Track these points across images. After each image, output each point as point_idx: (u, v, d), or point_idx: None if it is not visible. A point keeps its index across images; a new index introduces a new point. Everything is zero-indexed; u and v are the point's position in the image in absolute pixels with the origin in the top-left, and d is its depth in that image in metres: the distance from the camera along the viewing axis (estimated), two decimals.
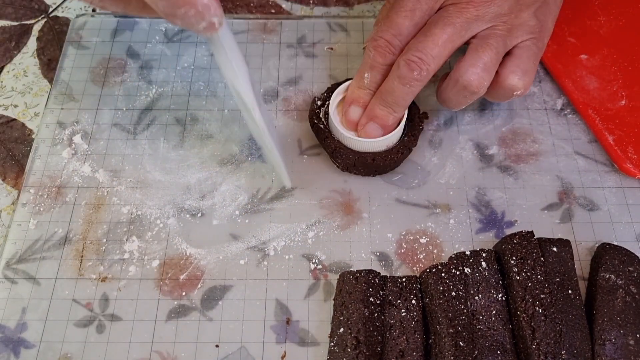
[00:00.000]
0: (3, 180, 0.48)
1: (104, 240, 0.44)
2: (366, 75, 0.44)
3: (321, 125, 0.46)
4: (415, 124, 0.46)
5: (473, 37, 0.43)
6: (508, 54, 0.44)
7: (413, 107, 0.47)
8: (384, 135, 0.44)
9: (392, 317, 0.39)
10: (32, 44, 0.56)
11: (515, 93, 0.44)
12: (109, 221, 0.45)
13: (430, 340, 0.39)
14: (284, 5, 0.58)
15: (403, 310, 0.39)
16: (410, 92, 0.42)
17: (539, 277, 0.39)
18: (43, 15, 0.57)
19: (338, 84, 0.47)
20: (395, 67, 0.42)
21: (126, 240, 0.44)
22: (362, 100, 0.44)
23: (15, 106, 0.52)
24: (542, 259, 0.40)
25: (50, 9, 0.58)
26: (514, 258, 0.40)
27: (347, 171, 0.47)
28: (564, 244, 0.41)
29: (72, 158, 0.48)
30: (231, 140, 0.49)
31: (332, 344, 0.39)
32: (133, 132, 0.49)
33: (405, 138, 0.46)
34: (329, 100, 0.46)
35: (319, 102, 0.47)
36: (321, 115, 0.47)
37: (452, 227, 0.45)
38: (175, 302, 0.42)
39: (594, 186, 0.46)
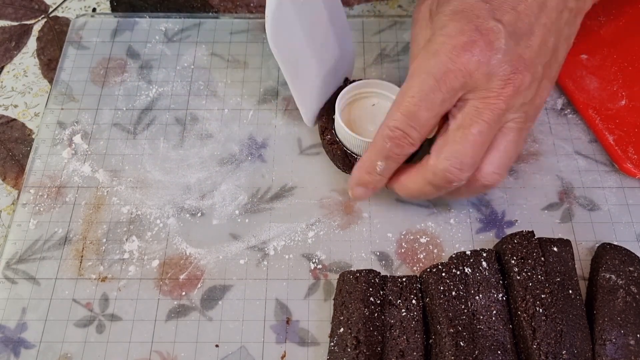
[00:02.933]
0: (3, 180, 0.48)
1: (104, 240, 0.44)
2: (380, 163, 0.40)
3: (329, 136, 0.45)
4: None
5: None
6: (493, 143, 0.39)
7: None
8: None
9: (393, 316, 0.39)
10: (32, 44, 0.56)
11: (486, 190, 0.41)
12: (109, 221, 0.45)
13: (431, 340, 0.39)
14: None
15: (403, 310, 0.39)
16: (437, 195, 0.40)
17: (539, 277, 0.39)
18: (43, 16, 0.57)
19: (340, 89, 0.46)
20: (430, 175, 0.39)
21: (126, 240, 0.44)
22: (372, 186, 0.42)
23: (16, 106, 0.52)
24: (542, 258, 0.40)
25: (50, 9, 0.58)
26: (515, 258, 0.40)
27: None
28: (565, 244, 0.41)
29: (72, 158, 0.48)
30: (231, 140, 0.49)
31: (332, 343, 0.39)
32: (133, 132, 0.49)
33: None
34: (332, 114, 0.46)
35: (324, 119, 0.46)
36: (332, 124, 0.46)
37: (452, 227, 0.45)
38: (175, 302, 0.42)
39: (594, 186, 0.46)
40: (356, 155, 0.44)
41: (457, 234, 0.44)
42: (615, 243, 0.42)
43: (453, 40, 0.36)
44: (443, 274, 0.40)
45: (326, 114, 0.46)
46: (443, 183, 0.39)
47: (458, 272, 0.40)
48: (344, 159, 0.45)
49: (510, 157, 0.39)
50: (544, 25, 0.38)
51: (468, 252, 0.41)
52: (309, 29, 0.43)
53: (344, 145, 0.45)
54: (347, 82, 0.48)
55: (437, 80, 0.37)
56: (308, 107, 0.45)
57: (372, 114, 0.46)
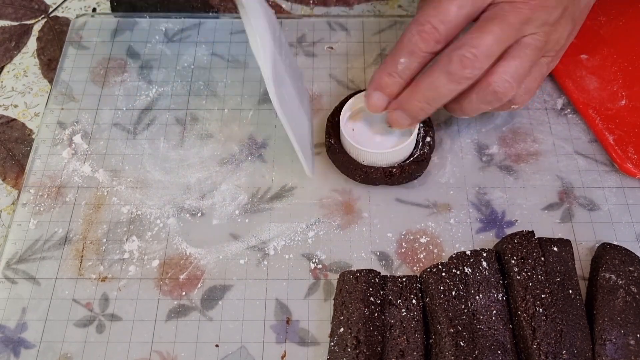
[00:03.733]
0: (3, 180, 0.48)
1: (104, 240, 0.44)
2: (402, 60, 0.39)
3: (332, 140, 0.45)
4: (426, 135, 0.45)
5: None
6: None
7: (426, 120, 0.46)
8: (411, 126, 0.43)
9: (393, 316, 0.39)
10: (32, 44, 0.56)
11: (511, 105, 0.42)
12: (109, 221, 0.45)
13: (431, 340, 0.39)
14: (283, 6, 0.58)
15: (403, 310, 0.39)
16: (455, 91, 0.39)
17: (539, 276, 0.39)
18: (43, 16, 0.57)
19: (350, 96, 0.46)
20: (445, 61, 0.38)
21: (126, 240, 0.44)
22: (389, 90, 0.41)
23: (16, 106, 0.52)
24: (542, 258, 0.40)
25: (50, 9, 0.58)
26: (515, 258, 0.40)
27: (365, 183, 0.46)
28: (565, 244, 0.41)
29: (72, 158, 0.48)
30: (231, 140, 0.49)
31: (332, 343, 0.39)
32: (133, 132, 0.49)
33: (419, 151, 0.45)
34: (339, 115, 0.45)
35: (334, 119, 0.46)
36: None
37: (452, 227, 0.45)
38: (175, 302, 0.42)
39: (594, 186, 0.46)
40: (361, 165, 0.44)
41: (457, 234, 0.44)
42: (615, 243, 0.42)
43: None
44: (443, 274, 0.40)
45: (332, 126, 0.46)
46: (493, 98, 0.39)
47: (458, 272, 0.40)
48: (348, 167, 0.45)
49: (524, 71, 0.40)
50: None
51: (468, 252, 0.41)
52: (292, 84, 0.44)
53: (350, 155, 0.45)
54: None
55: None
56: (308, 159, 0.45)
57: (378, 124, 0.46)
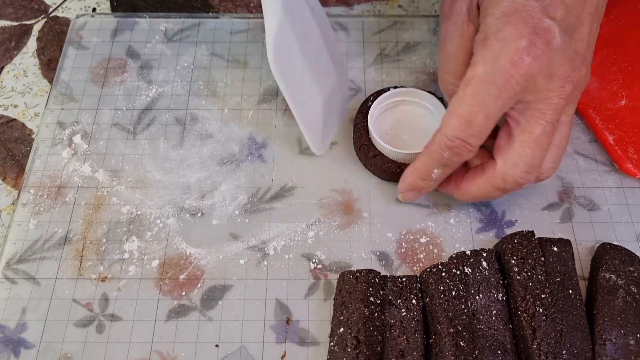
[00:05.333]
0: (3, 180, 0.48)
1: (104, 240, 0.44)
2: (436, 171, 0.40)
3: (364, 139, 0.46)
4: None
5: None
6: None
7: None
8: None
9: (393, 316, 0.39)
10: (32, 44, 0.56)
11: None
12: (109, 221, 0.45)
13: (431, 340, 0.39)
14: None
15: (403, 310, 0.39)
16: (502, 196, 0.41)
17: (539, 276, 0.39)
18: (43, 16, 0.58)
19: (380, 92, 0.47)
20: (500, 182, 0.39)
21: (126, 240, 0.44)
22: (424, 190, 0.42)
23: (15, 106, 0.52)
24: (542, 258, 0.40)
25: (50, 9, 0.58)
26: (515, 258, 0.40)
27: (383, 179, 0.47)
28: (565, 244, 0.41)
29: (72, 158, 0.48)
30: (231, 140, 0.49)
31: (332, 343, 0.39)
32: (133, 132, 0.49)
33: None
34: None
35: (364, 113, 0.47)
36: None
37: (452, 227, 0.45)
38: (175, 302, 0.42)
39: (594, 186, 0.46)
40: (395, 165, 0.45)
41: (457, 233, 0.44)
42: (615, 243, 0.42)
43: (512, 45, 0.36)
44: (443, 274, 0.40)
45: (358, 129, 0.47)
46: (513, 187, 0.39)
47: (458, 272, 0.40)
48: (386, 171, 0.45)
49: (564, 149, 0.40)
50: (590, 14, 0.38)
51: (468, 252, 0.41)
52: (308, 54, 0.44)
53: (384, 157, 0.45)
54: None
55: (498, 88, 0.36)
56: (315, 134, 0.45)
57: (405, 123, 0.47)
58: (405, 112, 0.48)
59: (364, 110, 0.47)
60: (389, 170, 0.45)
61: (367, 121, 0.46)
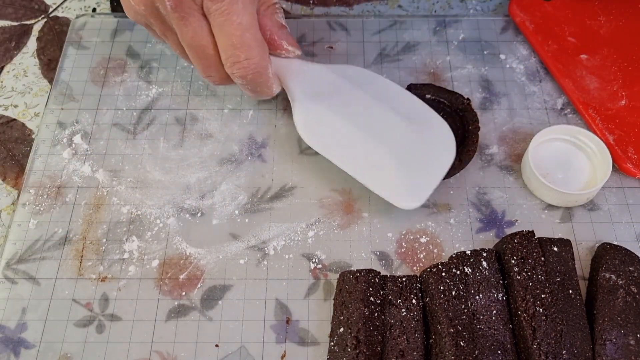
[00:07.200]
0: (3, 180, 0.48)
1: (104, 240, 0.44)
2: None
3: None
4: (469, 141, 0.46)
5: None
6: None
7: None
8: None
9: (393, 316, 0.39)
10: (32, 44, 0.56)
11: None
12: (109, 221, 0.45)
13: (431, 340, 0.39)
14: (284, 6, 0.57)
15: (403, 310, 0.39)
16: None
17: (539, 276, 0.39)
18: (43, 16, 0.57)
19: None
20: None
21: (126, 240, 0.44)
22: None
23: (15, 106, 0.52)
24: (542, 258, 0.40)
25: (50, 9, 0.58)
26: (515, 258, 0.40)
27: None
28: (565, 244, 0.41)
29: (72, 158, 0.48)
30: (231, 140, 0.49)
31: (332, 343, 0.39)
32: (133, 132, 0.49)
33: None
34: None
35: None
36: None
37: (452, 227, 0.45)
38: (175, 302, 0.42)
39: None
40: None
41: (457, 233, 0.44)
42: (615, 243, 0.42)
43: None
44: (443, 274, 0.40)
45: None
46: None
47: (458, 272, 0.40)
48: None
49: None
50: None
51: (468, 252, 0.41)
52: (343, 110, 0.46)
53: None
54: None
55: None
56: (390, 187, 0.43)
57: (559, 161, 0.47)
58: (557, 149, 0.48)
59: None
60: None
61: None
